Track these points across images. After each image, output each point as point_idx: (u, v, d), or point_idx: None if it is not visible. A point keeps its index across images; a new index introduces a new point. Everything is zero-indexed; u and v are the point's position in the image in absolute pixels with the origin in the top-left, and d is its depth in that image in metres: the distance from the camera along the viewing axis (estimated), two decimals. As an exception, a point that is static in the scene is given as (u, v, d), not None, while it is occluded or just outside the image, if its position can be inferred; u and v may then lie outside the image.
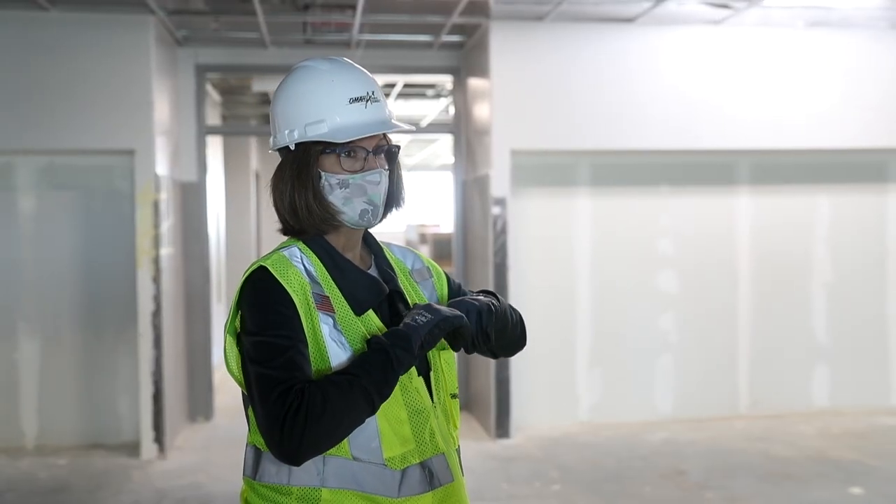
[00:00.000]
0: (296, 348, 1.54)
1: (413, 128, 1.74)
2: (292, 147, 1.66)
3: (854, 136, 6.41)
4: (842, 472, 5.20)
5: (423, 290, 1.79)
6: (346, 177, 1.64)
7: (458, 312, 1.63)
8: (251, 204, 10.44)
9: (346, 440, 1.56)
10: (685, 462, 5.48)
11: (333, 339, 1.58)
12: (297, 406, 1.47)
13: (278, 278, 1.58)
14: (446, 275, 1.87)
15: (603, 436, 6.13)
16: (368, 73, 1.72)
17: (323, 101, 1.64)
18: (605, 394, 6.51)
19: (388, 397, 1.55)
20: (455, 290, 1.86)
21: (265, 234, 11.29)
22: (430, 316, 1.59)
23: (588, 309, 6.47)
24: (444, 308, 1.63)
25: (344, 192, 1.64)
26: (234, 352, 1.61)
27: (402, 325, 1.59)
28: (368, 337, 1.61)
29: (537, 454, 5.71)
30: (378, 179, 1.65)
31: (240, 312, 1.60)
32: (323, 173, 1.64)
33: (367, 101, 1.66)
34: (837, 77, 6.37)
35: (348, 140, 1.62)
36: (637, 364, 6.55)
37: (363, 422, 1.54)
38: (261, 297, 1.58)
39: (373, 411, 1.53)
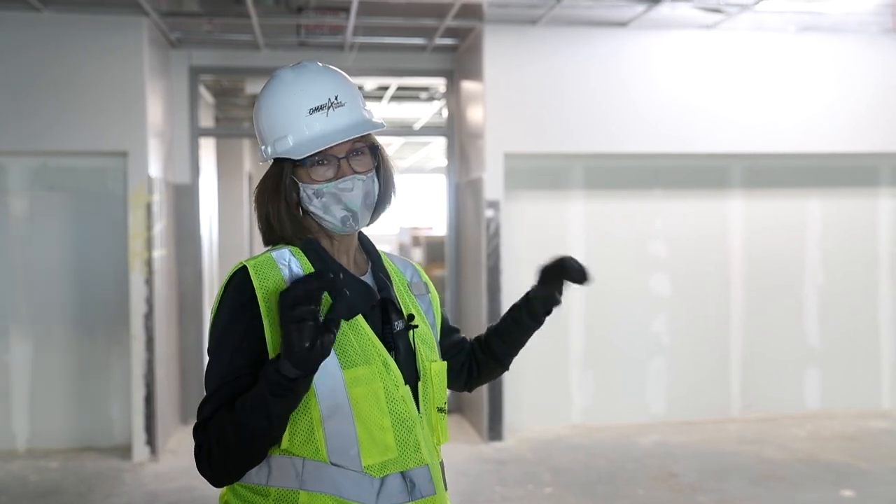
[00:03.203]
0: (233, 374, 1.54)
1: (382, 124, 1.71)
2: (269, 163, 1.69)
3: (845, 140, 6.44)
4: (833, 475, 5.22)
5: (420, 304, 1.79)
6: (319, 186, 1.63)
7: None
8: (244, 206, 10.43)
9: (323, 446, 1.55)
10: (677, 464, 5.49)
11: None
12: (200, 444, 1.54)
13: (255, 284, 1.58)
14: (439, 302, 1.90)
15: (595, 438, 6.14)
16: (338, 74, 1.69)
17: (285, 116, 1.64)
18: (597, 396, 6.52)
19: (280, 417, 1.48)
20: (445, 320, 1.90)
21: (258, 237, 11.24)
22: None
23: (581, 311, 6.48)
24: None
25: (321, 202, 1.64)
26: None
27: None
28: (355, 343, 1.60)
29: (530, 457, 5.71)
30: (351, 186, 1.64)
31: (214, 309, 1.64)
32: (300, 184, 1.65)
33: (330, 108, 1.63)
34: (829, 81, 6.40)
35: (306, 155, 1.62)
36: (630, 366, 6.56)
37: (265, 443, 1.51)
38: (230, 305, 1.59)
39: (267, 433, 1.49)
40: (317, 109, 1.63)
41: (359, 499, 1.56)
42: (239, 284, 1.59)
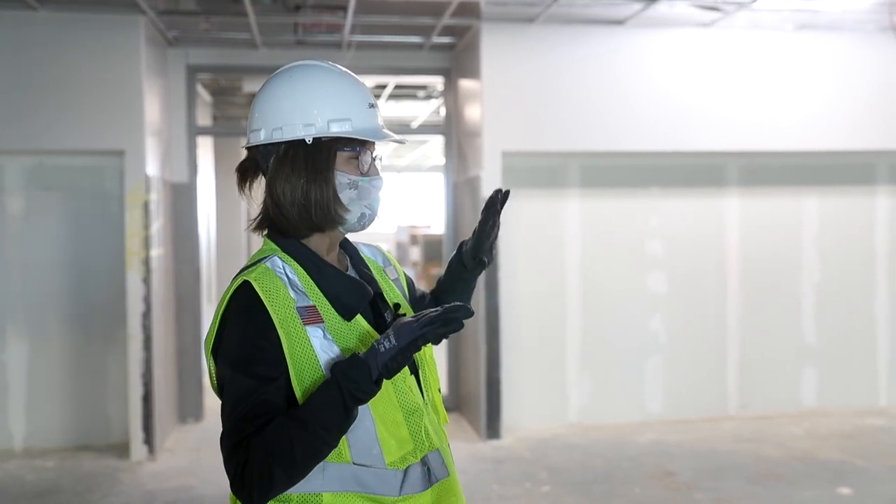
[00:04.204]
0: (265, 387, 1.50)
1: (405, 141, 1.80)
2: (309, 141, 1.60)
3: (843, 139, 6.44)
4: (830, 473, 5.23)
5: (396, 288, 1.79)
6: (357, 178, 1.64)
7: (427, 329, 1.48)
8: (242, 205, 10.42)
9: (347, 449, 1.54)
10: (674, 463, 5.49)
11: (326, 352, 1.54)
12: (245, 463, 1.47)
13: (262, 297, 1.54)
14: (404, 272, 1.90)
15: (592, 437, 6.14)
16: None
17: (347, 101, 1.63)
18: (594, 395, 6.53)
19: (347, 430, 1.50)
20: (412, 287, 1.88)
21: (255, 236, 11.26)
22: (394, 342, 1.48)
23: (578, 310, 6.49)
24: (411, 327, 1.48)
25: (351, 193, 1.63)
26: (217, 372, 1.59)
27: (368, 349, 1.50)
28: (360, 343, 1.59)
29: (527, 455, 5.71)
30: (380, 185, 1.68)
31: (218, 330, 1.57)
32: (335, 171, 1.63)
33: (377, 109, 1.68)
34: (826, 80, 6.40)
35: (374, 139, 1.64)
36: (627, 365, 6.56)
37: (324, 458, 1.50)
38: (241, 320, 1.54)
39: (333, 447, 1.49)
40: (372, 106, 1.67)
41: (383, 492, 1.56)
42: (244, 300, 1.55)
